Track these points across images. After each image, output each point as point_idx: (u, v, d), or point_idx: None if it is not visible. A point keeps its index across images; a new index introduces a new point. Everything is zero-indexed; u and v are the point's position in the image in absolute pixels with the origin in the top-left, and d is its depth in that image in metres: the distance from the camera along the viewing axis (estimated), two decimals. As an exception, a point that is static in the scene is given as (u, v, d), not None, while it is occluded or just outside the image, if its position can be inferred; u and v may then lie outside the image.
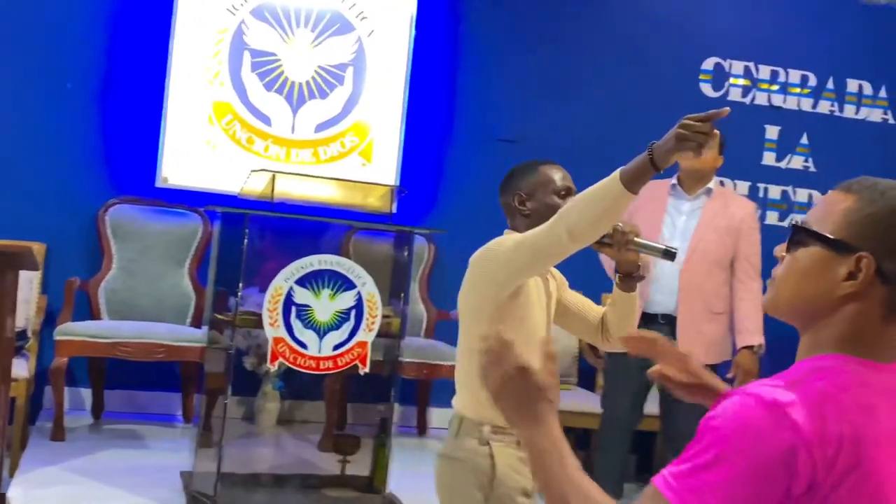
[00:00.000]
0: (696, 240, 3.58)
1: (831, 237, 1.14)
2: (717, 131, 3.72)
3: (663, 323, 3.57)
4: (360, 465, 3.56)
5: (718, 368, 3.52)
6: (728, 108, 1.79)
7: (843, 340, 1.13)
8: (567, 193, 2.14)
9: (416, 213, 4.74)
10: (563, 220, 1.87)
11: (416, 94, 4.72)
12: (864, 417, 1.05)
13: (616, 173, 1.83)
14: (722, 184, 5.03)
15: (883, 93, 5.19)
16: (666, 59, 4.98)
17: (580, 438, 4.71)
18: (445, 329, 4.58)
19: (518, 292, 2.02)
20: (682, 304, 3.56)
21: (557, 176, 2.18)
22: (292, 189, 3.52)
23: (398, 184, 4.58)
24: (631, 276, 2.12)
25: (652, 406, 3.76)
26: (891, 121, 5.20)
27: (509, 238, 2.03)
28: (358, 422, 4.43)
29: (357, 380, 3.66)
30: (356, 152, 4.73)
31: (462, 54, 4.88)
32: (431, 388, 4.58)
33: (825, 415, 1.03)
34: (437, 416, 4.66)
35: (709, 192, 3.69)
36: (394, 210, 4.37)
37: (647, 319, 3.59)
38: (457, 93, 4.87)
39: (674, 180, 3.74)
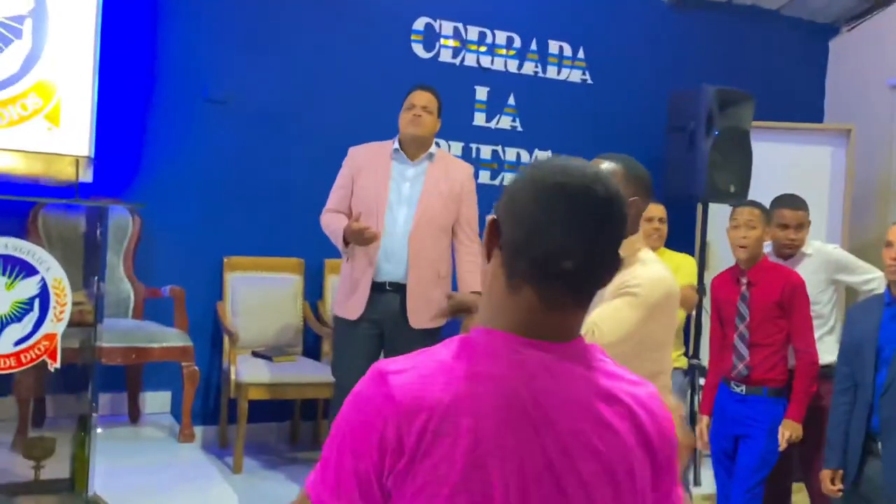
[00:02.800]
0: (423, 207, 3.55)
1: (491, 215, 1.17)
2: (434, 97, 3.72)
3: (391, 290, 3.54)
4: (59, 466, 3.20)
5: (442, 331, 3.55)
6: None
7: (491, 312, 1.13)
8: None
9: (116, 182, 4.32)
10: None
11: (109, 50, 4.24)
12: (476, 387, 1.04)
13: None
14: (436, 144, 5.08)
15: (581, 54, 5.46)
16: (377, 17, 4.89)
17: (306, 409, 4.60)
18: (155, 308, 4.25)
19: None
20: (412, 272, 3.53)
21: None
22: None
23: (93, 150, 4.11)
24: None
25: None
26: (589, 81, 5.50)
27: None
28: (60, 415, 4.02)
29: (54, 370, 3.27)
30: (41, 115, 4.17)
31: (162, 6, 4.47)
32: (143, 372, 4.24)
33: (430, 384, 1.04)
34: (150, 402, 4.33)
35: (431, 157, 3.67)
36: (87, 180, 3.96)
37: (375, 288, 3.55)
38: (157, 49, 4.46)
39: (395, 145, 3.66)
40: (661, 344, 2.21)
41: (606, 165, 2.18)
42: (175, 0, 4.46)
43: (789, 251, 3.67)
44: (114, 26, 4.28)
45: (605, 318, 2.08)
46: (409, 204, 3.55)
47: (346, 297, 3.62)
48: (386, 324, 3.56)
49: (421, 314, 3.52)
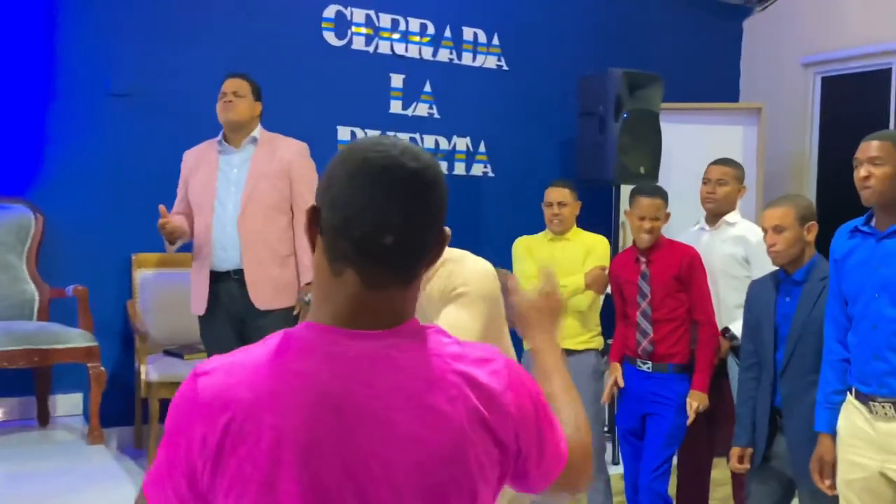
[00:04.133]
0: (248, 189, 3.56)
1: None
2: (244, 81, 3.70)
3: (236, 278, 3.55)
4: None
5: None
6: None
7: (318, 302, 1.13)
8: None
9: (17, 180, 4.20)
10: None
11: (5, 43, 4.14)
12: (281, 384, 1.03)
13: None
14: (353, 133, 5.04)
15: (496, 40, 5.46)
16: (287, 5, 4.82)
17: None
18: (63, 309, 4.14)
19: None
20: (245, 255, 3.54)
21: None
22: None
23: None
24: None
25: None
26: (504, 67, 5.49)
27: None
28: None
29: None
30: (-67, 114, 4.07)
31: (61, -2, 4.34)
32: (53, 374, 4.14)
33: (237, 382, 1.04)
34: (61, 404, 4.24)
35: (254, 140, 3.68)
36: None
37: (219, 278, 3.57)
38: (57, 42, 4.32)
39: (219, 137, 3.70)
40: (504, 327, 2.23)
41: None
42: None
43: (709, 205, 3.69)
44: (9, 18, 4.16)
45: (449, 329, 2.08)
46: (237, 189, 3.59)
47: (193, 293, 3.66)
48: (238, 312, 3.59)
49: (264, 295, 3.55)
